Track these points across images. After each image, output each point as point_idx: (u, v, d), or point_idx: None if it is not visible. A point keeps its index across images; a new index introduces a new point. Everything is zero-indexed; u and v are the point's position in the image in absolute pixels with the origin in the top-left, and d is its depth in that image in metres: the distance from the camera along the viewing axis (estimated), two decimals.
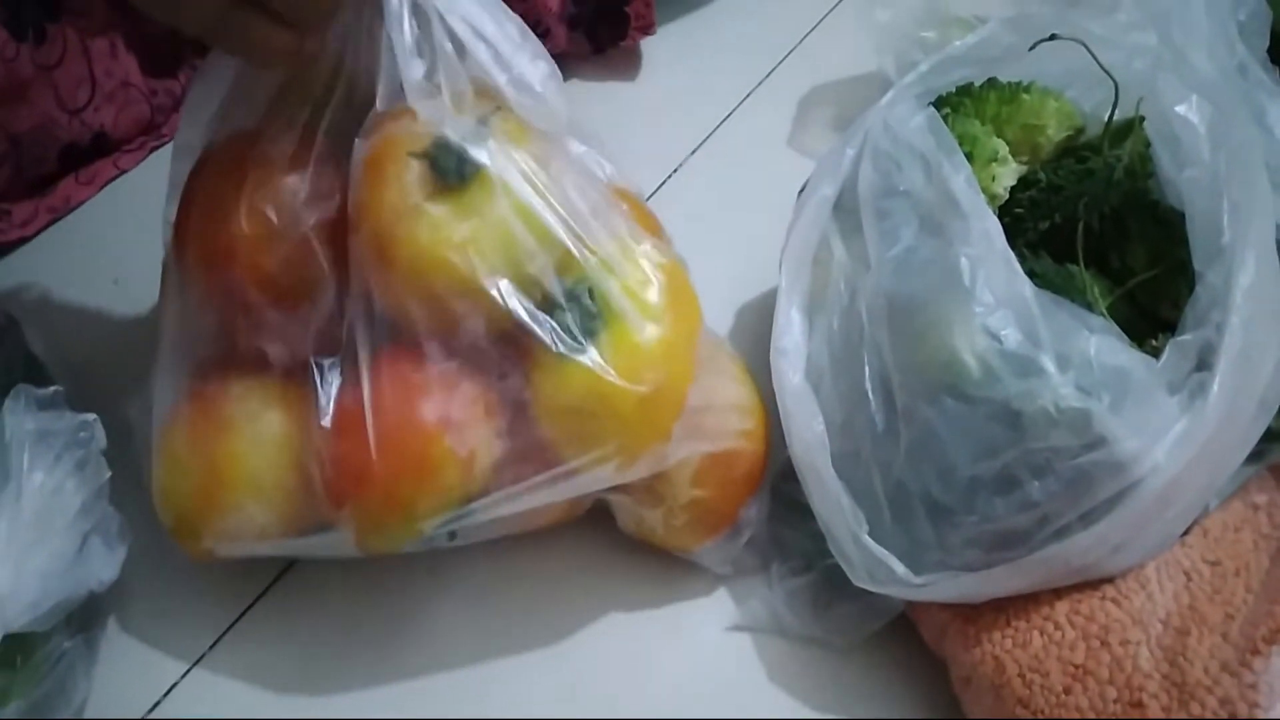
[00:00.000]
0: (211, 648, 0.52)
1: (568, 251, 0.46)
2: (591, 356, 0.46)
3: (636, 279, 0.48)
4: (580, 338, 0.46)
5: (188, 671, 0.52)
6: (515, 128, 0.47)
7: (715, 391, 0.51)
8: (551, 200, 0.46)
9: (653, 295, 0.48)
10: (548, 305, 0.46)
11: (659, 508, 0.51)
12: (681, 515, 0.52)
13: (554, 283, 0.46)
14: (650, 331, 0.47)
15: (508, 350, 0.47)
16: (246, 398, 0.47)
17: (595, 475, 0.47)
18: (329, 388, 0.46)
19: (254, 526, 0.47)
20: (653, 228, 0.54)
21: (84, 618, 0.48)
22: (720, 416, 0.51)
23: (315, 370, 0.46)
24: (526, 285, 0.46)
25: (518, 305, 0.45)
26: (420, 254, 0.45)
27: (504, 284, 0.45)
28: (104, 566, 0.47)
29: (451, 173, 0.45)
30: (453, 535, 0.48)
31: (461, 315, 0.46)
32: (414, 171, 0.45)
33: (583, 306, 0.46)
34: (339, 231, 0.46)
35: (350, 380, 0.46)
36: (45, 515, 0.43)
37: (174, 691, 0.51)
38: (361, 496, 0.46)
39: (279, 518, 0.47)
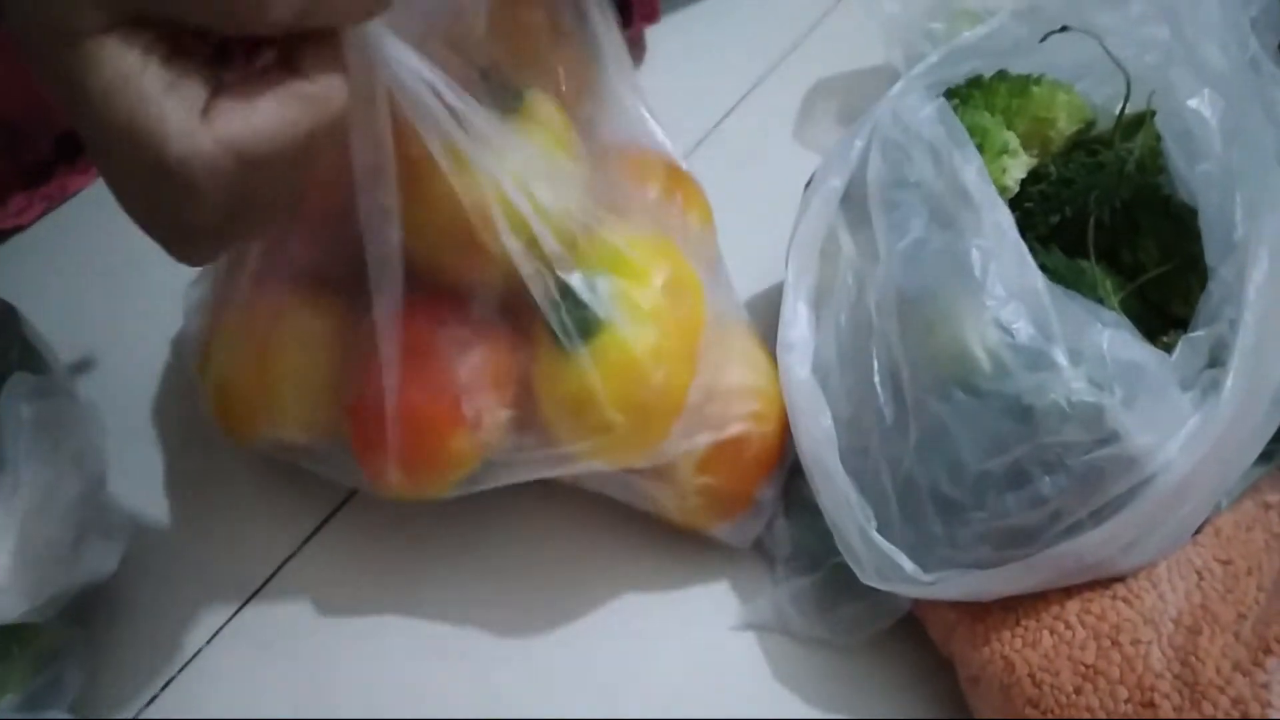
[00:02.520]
0: (208, 643, 0.52)
1: (576, 242, 0.46)
2: (585, 359, 0.45)
3: (640, 280, 0.47)
4: (577, 335, 0.45)
5: (184, 667, 0.51)
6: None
7: (721, 378, 0.50)
8: (566, 184, 0.45)
9: (653, 300, 0.47)
10: (554, 292, 0.45)
11: (670, 490, 0.51)
12: (694, 498, 0.51)
13: (562, 269, 0.45)
14: (646, 340, 0.46)
15: (518, 325, 0.46)
16: (299, 307, 0.49)
17: (590, 463, 0.47)
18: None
19: (298, 417, 0.50)
20: (694, 201, 0.53)
21: (81, 610, 0.48)
22: (725, 403, 0.50)
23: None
24: (538, 264, 0.45)
25: (531, 281, 0.45)
26: (454, 196, 0.43)
27: (520, 252, 0.44)
28: (102, 558, 0.46)
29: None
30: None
31: (481, 275, 0.45)
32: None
33: (585, 302, 0.45)
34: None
35: (372, 324, 0.46)
36: (42, 505, 0.42)
37: (170, 686, 0.51)
38: (372, 449, 0.47)
39: (320, 417, 0.50)
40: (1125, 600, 0.46)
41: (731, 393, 0.51)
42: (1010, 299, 0.45)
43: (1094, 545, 0.44)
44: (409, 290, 0.45)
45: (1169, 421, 0.43)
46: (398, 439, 0.47)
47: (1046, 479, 0.44)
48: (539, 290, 0.45)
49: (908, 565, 0.47)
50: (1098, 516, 0.44)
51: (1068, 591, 0.47)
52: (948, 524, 0.47)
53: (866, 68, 0.74)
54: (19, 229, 0.66)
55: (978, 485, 0.45)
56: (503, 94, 0.46)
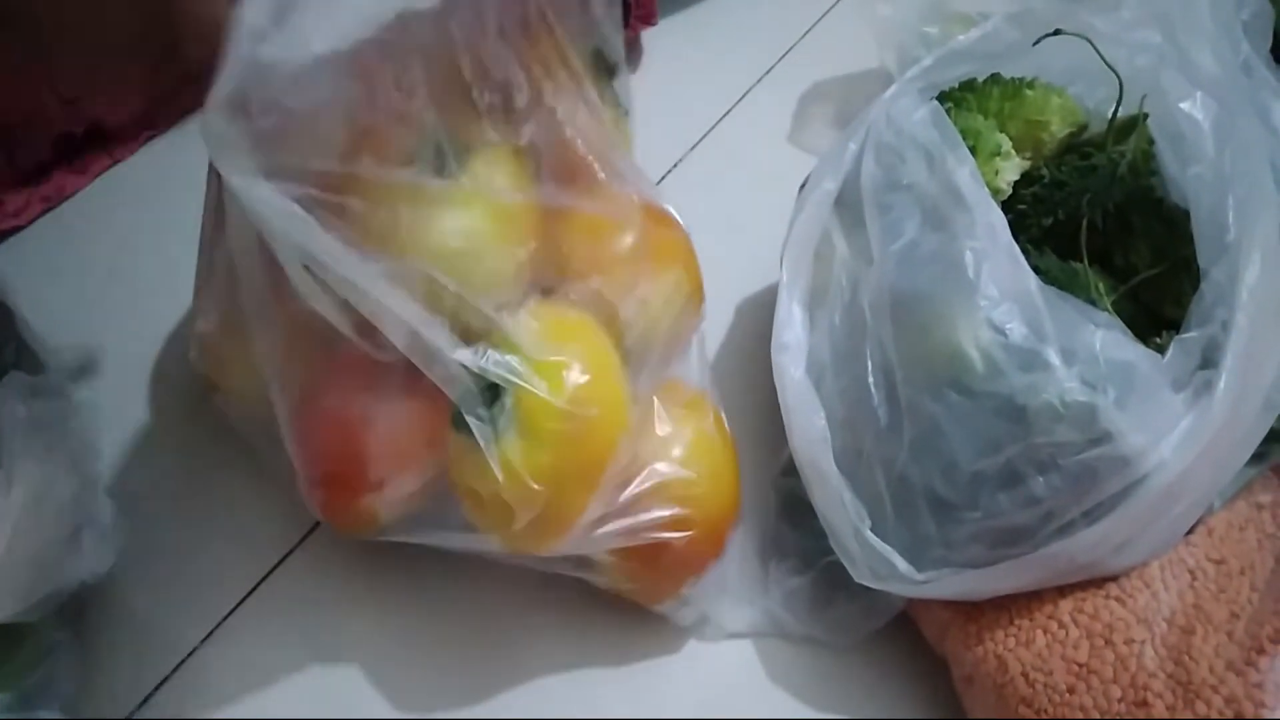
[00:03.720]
0: (203, 642, 0.52)
1: (497, 331, 0.44)
2: (481, 457, 0.43)
3: (549, 386, 0.43)
4: (475, 434, 0.43)
5: (178, 666, 0.51)
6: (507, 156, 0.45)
7: (639, 497, 0.47)
8: (483, 269, 0.44)
9: (555, 415, 0.43)
10: (457, 387, 0.43)
11: (594, 575, 0.50)
12: (618, 585, 0.50)
13: (479, 351, 0.43)
14: (539, 458, 0.43)
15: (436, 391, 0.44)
16: None
17: (496, 547, 0.47)
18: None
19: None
20: (672, 261, 0.50)
21: (75, 609, 0.48)
22: (638, 513, 0.47)
23: None
24: (461, 333, 0.43)
25: (446, 351, 0.42)
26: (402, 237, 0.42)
27: (441, 322, 0.42)
28: (96, 558, 0.46)
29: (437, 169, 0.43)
30: None
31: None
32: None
33: (495, 392, 0.43)
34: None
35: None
36: (36, 504, 0.42)
37: (164, 686, 0.51)
38: (307, 482, 0.47)
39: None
40: (1119, 600, 0.46)
41: (655, 495, 0.47)
42: (1003, 300, 0.45)
43: (1087, 545, 0.45)
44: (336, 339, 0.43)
45: (1161, 422, 0.44)
46: (310, 483, 0.47)
47: (1039, 479, 0.44)
48: (445, 381, 0.43)
49: (901, 564, 0.47)
50: (1090, 516, 0.44)
51: (1061, 591, 0.47)
52: (941, 524, 0.47)
53: (861, 71, 0.74)
54: (16, 229, 0.66)
55: (971, 485, 0.46)
56: (442, 163, 0.44)
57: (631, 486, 0.47)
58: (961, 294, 0.46)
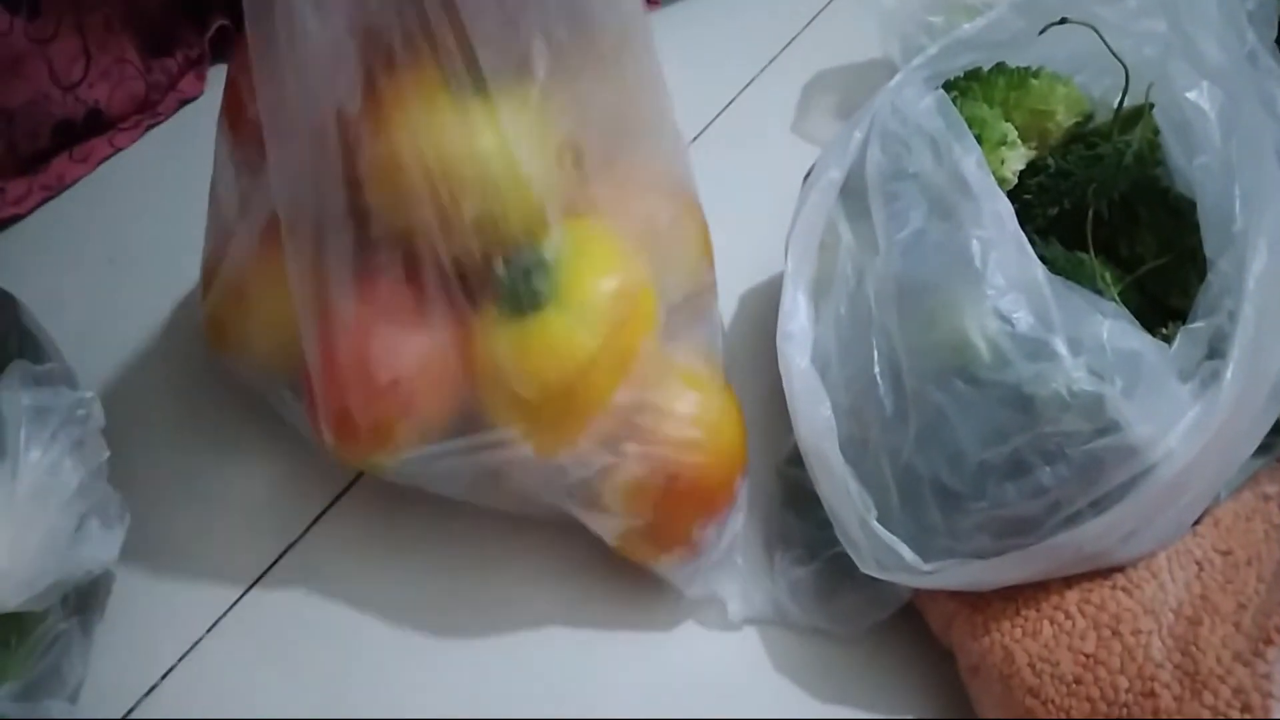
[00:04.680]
0: (209, 631, 0.52)
1: (538, 215, 0.45)
2: (517, 331, 0.45)
3: (594, 271, 0.46)
4: (515, 307, 0.45)
5: (184, 655, 0.51)
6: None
7: (662, 398, 0.48)
8: (550, 160, 0.45)
9: (598, 294, 0.46)
10: (504, 261, 0.45)
11: (603, 520, 0.50)
12: (625, 528, 0.50)
13: (520, 240, 0.45)
14: (578, 330, 0.46)
15: (470, 302, 0.46)
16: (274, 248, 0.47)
17: (518, 450, 0.47)
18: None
19: (266, 352, 0.51)
20: (697, 239, 0.52)
21: (80, 599, 0.48)
22: (657, 421, 0.48)
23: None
24: (493, 230, 0.44)
25: (477, 244, 0.44)
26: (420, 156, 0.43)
27: (475, 217, 0.44)
28: (101, 547, 0.46)
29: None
30: None
31: (441, 238, 0.44)
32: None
33: (532, 279, 0.45)
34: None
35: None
36: (42, 493, 0.42)
37: (170, 675, 0.51)
38: (313, 405, 0.47)
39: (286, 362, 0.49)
40: (1125, 590, 0.46)
41: (668, 414, 0.49)
42: (1010, 289, 0.45)
43: (1094, 535, 0.45)
44: (367, 253, 0.45)
45: (1169, 412, 0.43)
46: (330, 404, 0.47)
47: (1046, 469, 0.44)
48: (495, 252, 0.45)
49: (907, 555, 0.47)
50: (1097, 506, 0.44)
51: (1068, 582, 0.47)
52: (947, 513, 0.47)
53: (864, 61, 0.74)
54: (17, 218, 0.66)
55: (977, 475, 0.45)
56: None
57: (651, 393, 0.48)
58: (968, 283, 0.46)
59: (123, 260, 0.63)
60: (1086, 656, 0.45)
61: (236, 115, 0.49)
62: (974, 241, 0.46)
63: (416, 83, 0.43)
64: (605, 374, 0.46)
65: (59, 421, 0.43)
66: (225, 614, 0.52)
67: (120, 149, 0.68)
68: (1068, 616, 0.46)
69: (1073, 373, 0.43)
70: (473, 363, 0.46)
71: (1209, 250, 0.47)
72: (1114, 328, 0.45)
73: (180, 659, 0.51)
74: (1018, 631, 0.47)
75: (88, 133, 0.66)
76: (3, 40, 0.60)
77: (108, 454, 0.46)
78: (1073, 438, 0.44)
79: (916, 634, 0.51)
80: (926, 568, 0.47)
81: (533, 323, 0.45)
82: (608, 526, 0.50)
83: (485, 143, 0.44)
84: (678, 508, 0.50)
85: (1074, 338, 0.44)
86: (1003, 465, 0.45)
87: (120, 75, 0.66)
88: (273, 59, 0.42)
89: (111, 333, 0.59)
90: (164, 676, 0.50)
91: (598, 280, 0.46)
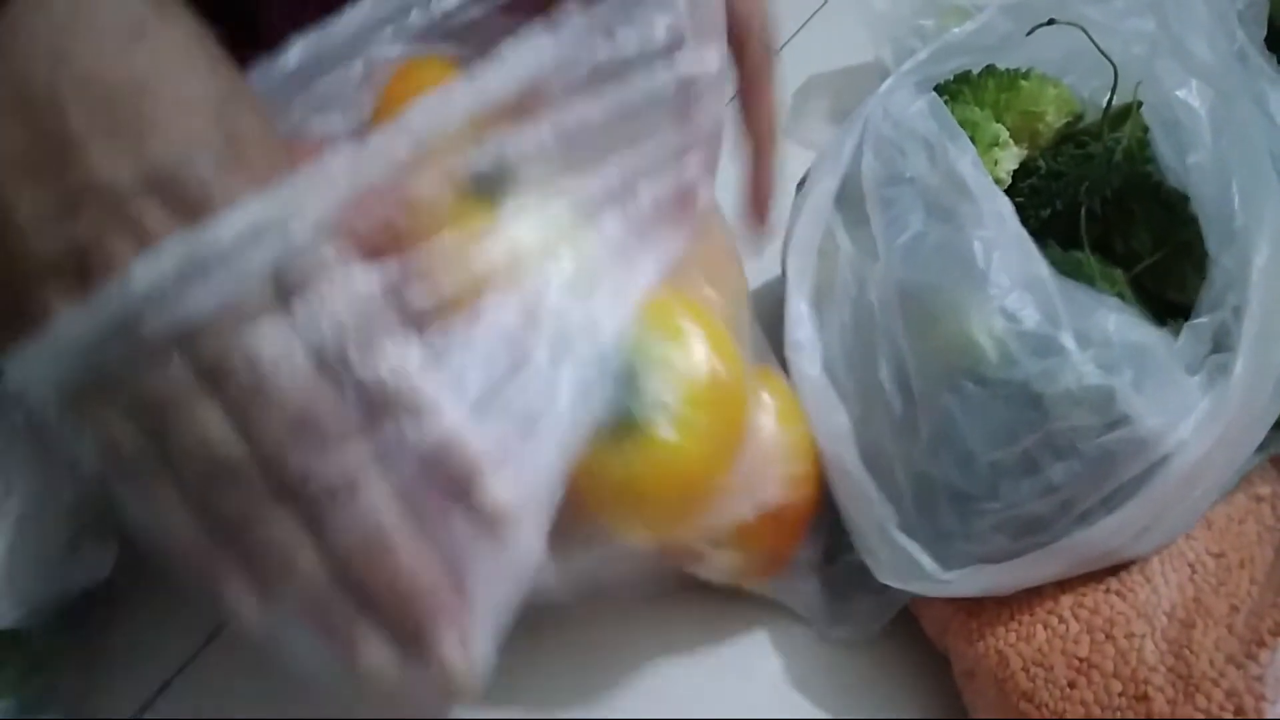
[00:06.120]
0: (204, 646, 0.52)
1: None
2: (625, 456, 0.43)
3: (688, 373, 0.44)
4: (613, 426, 0.43)
5: (180, 670, 0.51)
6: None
7: (764, 456, 0.48)
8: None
9: (698, 397, 0.44)
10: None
11: (700, 563, 0.49)
12: (727, 565, 0.50)
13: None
14: (694, 423, 0.44)
15: None
16: None
17: (640, 548, 0.46)
18: None
19: None
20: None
21: (76, 615, 0.47)
22: (762, 472, 0.48)
23: None
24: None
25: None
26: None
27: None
28: (96, 564, 0.46)
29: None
30: None
31: None
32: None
33: (627, 397, 0.43)
34: None
35: None
36: (35, 511, 0.42)
37: (166, 690, 0.51)
38: None
39: None
40: (1118, 594, 0.46)
41: (773, 459, 0.48)
42: (1014, 287, 0.45)
43: (1110, 531, 0.44)
44: None
45: (1178, 404, 0.43)
46: None
47: (1059, 465, 0.44)
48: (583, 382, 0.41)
49: (928, 564, 0.47)
50: (1110, 503, 0.44)
51: (1061, 586, 0.47)
52: (963, 517, 0.46)
53: (857, 65, 0.74)
54: None
55: (990, 476, 0.45)
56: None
57: (756, 448, 0.47)
58: (972, 283, 0.45)
59: None
60: (1080, 660, 0.45)
61: None
62: (975, 242, 0.46)
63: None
64: (724, 450, 0.45)
65: (52, 436, 0.43)
66: (222, 627, 0.52)
67: None
68: (1061, 620, 0.46)
69: (1081, 367, 0.43)
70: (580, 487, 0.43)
71: (1211, 247, 0.47)
72: (1120, 321, 0.45)
73: (177, 673, 0.51)
74: (1012, 636, 0.47)
75: None
76: None
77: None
78: (1084, 432, 0.43)
79: (911, 637, 0.51)
80: (946, 576, 0.46)
81: (641, 445, 0.43)
82: (714, 569, 0.50)
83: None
84: (786, 535, 0.50)
85: (1081, 332, 0.44)
86: (1015, 464, 0.45)
87: None
88: None
89: None
90: (160, 690, 0.50)
91: (695, 378, 0.44)
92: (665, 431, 0.43)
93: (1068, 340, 0.44)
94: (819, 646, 0.52)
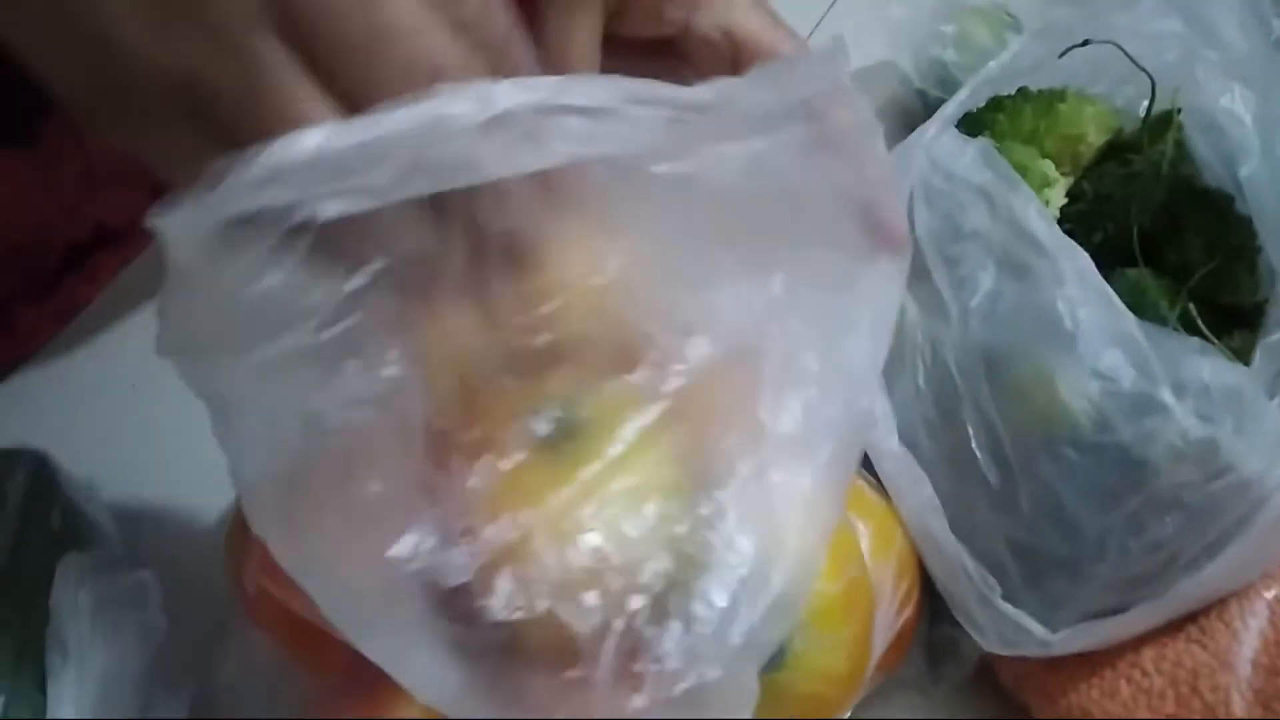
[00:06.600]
0: None
1: None
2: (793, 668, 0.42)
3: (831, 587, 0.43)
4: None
5: None
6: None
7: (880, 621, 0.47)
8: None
9: (832, 604, 0.43)
10: None
11: None
12: None
13: None
14: (838, 637, 0.43)
15: None
16: None
17: None
18: None
19: None
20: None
21: None
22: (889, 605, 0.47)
23: None
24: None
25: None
26: None
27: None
28: (168, 711, 0.45)
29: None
30: None
31: None
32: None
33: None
34: None
35: None
36: (110, 689, 0.41)
37: None
38: None
39: None
40: (1199, 643, 0.46)
41: (886, 613, 0.47)
42: (1106, 347, 0.44)
43: (1213, 578, 0.44)
44: None
45: (1274, 441, 0.43)
46: None
47: (1165, 520, 0.43)
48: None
49: (1037, 630, 0.45)
50: (1212, 550, 0.43)
51: (1142, 637, 0.46)
52: (1071, 581, 0.45)
53: (871, 64, 0.71)
54: (31, 354, 0.63)
55: (1098, 540, 0.44)
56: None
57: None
58: (1061, 346, 0.44)
59: (146, 385, 0.59)
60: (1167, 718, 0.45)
61: None
62: (1059, 301, 0.45)
63: None
64: (866, 647, 0.45)
65: (120, 609, 0.42)
66: None
67: (129, 260, 0.65)
68: (1144, 674, 0.46)
69: (1184, 421, 0.42)
70: None
71: (1275, 260, 0.47)
72: (1213, 366, 0.43)
73: None
74: (1095, 692, 0.47)
75: (95, 249, 0.63)
76: (13, 175, 0.57)
77: (165, 623, 0.45)
78: (1188, 487, 0.43)
79: (988, 685, 0.51)
80: (1055, 638, 0.45)
81: (805, 657, 0.42)
82: None
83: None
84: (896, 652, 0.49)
85: (1177, 384, 0.43)
86: (1121, 526, 0.44)
87: (123, 184, 0.62)
88: None
89: (145, 470, 0.57)
90: None
91: (824, 582, 0.43)
92: (812, 658, 0.43)
93: (1166, 396, 0.42)
94: (896, 690, 0.52)
